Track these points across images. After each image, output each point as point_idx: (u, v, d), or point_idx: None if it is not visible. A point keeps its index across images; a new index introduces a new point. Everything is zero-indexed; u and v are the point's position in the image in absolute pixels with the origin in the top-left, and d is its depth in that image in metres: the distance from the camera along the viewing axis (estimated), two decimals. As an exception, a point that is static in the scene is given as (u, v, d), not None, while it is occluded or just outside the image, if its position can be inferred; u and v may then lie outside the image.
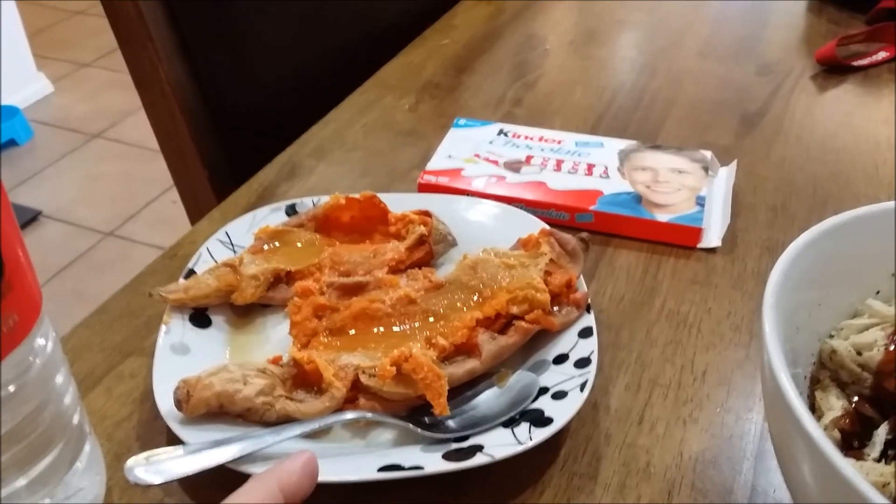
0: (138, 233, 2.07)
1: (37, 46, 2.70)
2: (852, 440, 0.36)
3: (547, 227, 0.53)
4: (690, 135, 0.71)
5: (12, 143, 2.41)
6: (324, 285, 0.49)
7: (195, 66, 0.68)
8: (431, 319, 0.47)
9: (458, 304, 0.48)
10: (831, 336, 0.39)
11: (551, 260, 0.49)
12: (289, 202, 0.57)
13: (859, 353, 0.38)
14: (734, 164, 0.64)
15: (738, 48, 0.86)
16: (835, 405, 0.37)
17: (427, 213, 0.54)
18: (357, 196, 0.55)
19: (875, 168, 0.66)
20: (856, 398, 0.38)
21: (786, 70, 0.81)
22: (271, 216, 0.56)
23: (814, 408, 0.38)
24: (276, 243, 0.53)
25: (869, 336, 0.38)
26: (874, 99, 0.76)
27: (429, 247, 0.53)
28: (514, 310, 0.47)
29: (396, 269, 0.52)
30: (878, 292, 0.40)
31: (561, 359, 0.46)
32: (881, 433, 0.35)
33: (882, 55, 0.83)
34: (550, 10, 0.96)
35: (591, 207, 0.59)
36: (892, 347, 0.37)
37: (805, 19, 0.93)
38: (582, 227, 0.59)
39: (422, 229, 0.52)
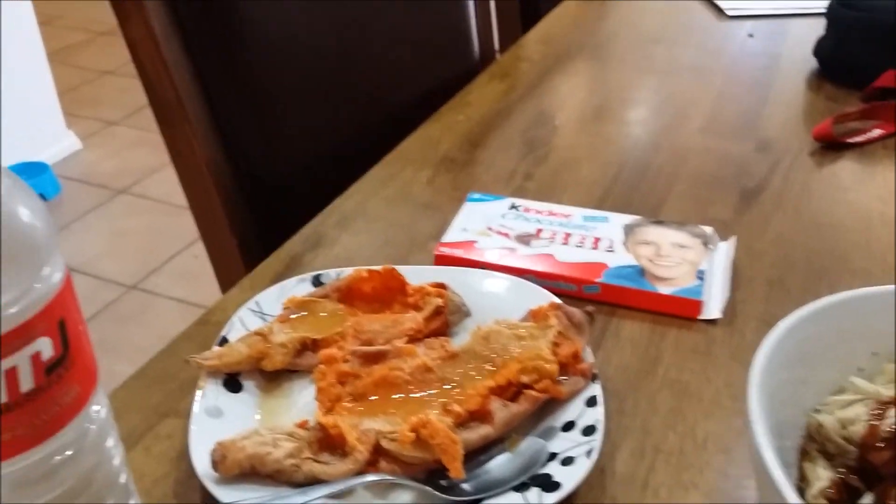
0: (161, 286, 2.12)
1: (67, 104, 2.81)
2: (838, 509, 0.39)
3: (556, 300, 0.57)
4: (692, 209, 0.75)
5: (41, 197, 2.49)
6: (347, 353, 0.52)
7: (229, 144, 0.73)
8: (447, 387, 0.51)
9: (473, 373, 0.51)
10: (817, 410, 0.42)
11: (559, 332, 0.53)
12: (315, 273, 0.61)
13: (844, 427, 0.41)
14: (733, 239, 0.68)
15: (738, 125, 0.91)
16: (822, 475, 0.40)
17: (443, 286, 0.58)
18: (378, 269, 0.59)
19: (867, 243, 0.70)
20: (842, 469, 0.41)
21: (784, 147, 0.85)
22: (298, 287, 0.60)
23: (803, 478, 0.41)
24: (303, 313, 0.57)
25: (853, 411, 0.41)
26: (868, 175, 0.80)
27: (444, 317, 0.57)
28: (525, 379, 0.50)
29: (414, 338, 0.55)
30: (860, 370, 0.43)
31: (569, 426, 0.49)
32: (866, 502, 0.38)
33: (877, 132, 0.87)
34: (560, 87, 1.01)
35: (597, 280, 0.63)
36: (874, 422, 0.40)
37: (804, 96, 0.98)
38: (589, 297, 0.63)
39: (438, 301, 0.56)
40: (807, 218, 0.74)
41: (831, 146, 0.85)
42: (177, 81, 0.66)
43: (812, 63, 1.02)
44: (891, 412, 0.40)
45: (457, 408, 0.48)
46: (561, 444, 0.48)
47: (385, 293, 0.59)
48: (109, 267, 2.20)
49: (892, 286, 0.44)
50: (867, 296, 0.43)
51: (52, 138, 2.71)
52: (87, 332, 0.38)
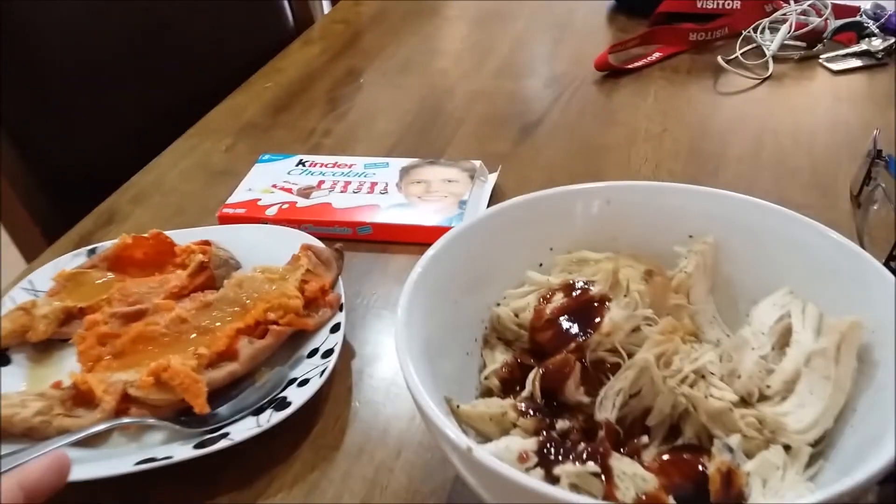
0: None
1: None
2: (515, 386, 0.44)
3: (314, 242, 0.61)
4: (474, 147, 0.80)
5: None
6: (108, 316, 0.55)
7: (14, 134, 0.74)
8: (199, 335, 0.54)
9: (226, 318, 0.55)
10: (498, 304, 0.47)
11: (308, 270, 0.57)
12: (90, 247, 0.64)
13: (517, 315, 0.46)
14: (498, 169, 0.73)
15: (530, 65, 0.95)
16: (497, 359, 0.45)
17: (207, 243, 0.61)
18: (145, 235, 0.61)
19: (628, 159, 0.76)
20: (518, 352, 0.46)
21: (568, 81, 0.90)
22: (74, 261, 0.62)
23: (485, 365, 0.46)
24: (73, 284, 0.59)
25: (525, 301, 0.46)
26: (641, 97, 0.86)
27: (210, 272, 0.60)
28: (272, 316, 0.54)
29: (180, 295, 0.58)
30: (540, 265, 0.48)
31: (313, 353, 0.53)
32: (531, 377, 0.43)
33: (656, 56, 0.93)
34: (371, 46, 1.04)
35: (369, 220, 0.67)
36: (539, 306, 0.45)
37: (597, 32, 1.03)
38: (363, 238, 0.67)
39: (200, 257, 0.59)
40: (577, 143, 0.79)
41: (613, 74, 0.91)
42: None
43: (610, 1, 1.07)
44: (556, 297, 0.46)
45: (202, 350, 0.52)
46: (303, 369, 0.52)
47: (156, 257, 0.62)
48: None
49: (565, 187, 0.49)
50: (540, 198, 0.48)
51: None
52: None
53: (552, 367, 0.42)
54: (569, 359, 0.42)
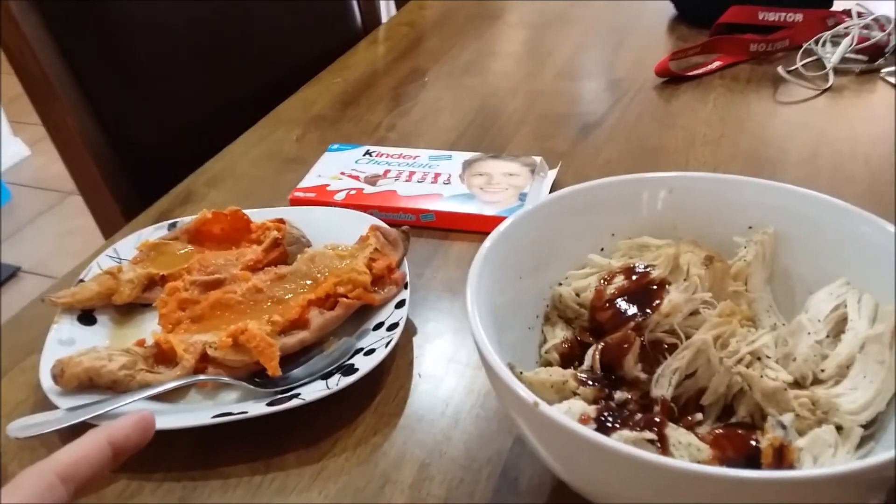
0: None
1: (12, 113, 2.83)
2: (573, 362, 0.47)
3: (380, 224, 0.64)
4: (533, 144, 0.82)
5: (-8, 205, 2.53)
6: (188, 283, 0.59)
7: (101, 116, 0.79)
8: (273, 304, 0.57)
9: (299, 290, 0.58)
10: (560, 284, 0.49)
11: (375, 249, 0.60)
12: (171, 221, 0.68)
13: (578, 295, 0.48)
14: (559, 165, 0.75)
15: (591, 68, 0.97)
16: (558, 335, 0.47)
17: (281, 221, 0.65)
18: (224, 211, 0.65)
19: (686, 161, 0.77)
20: (578, 330, 0.48)
21: (628, 85, 0.92)
22: (156, 233, 0.67)
23: (546, 340, 0.48)
24: (155, 254, 0.63)
25: (587, 281, 0.48)
26: (701, 103, 0.87)
27: (283, 248, 0.63)
28: (341, 290, 0.57)
29: (255, 268, 0.62)
30: (602, 249, 0.51)
31: (379, 326, 0.56)
32: (590, 351, 0.45)
33: (716, 64, 0.95)
34: (435, 47, 1.07)
35: (432, 208, 0.70)
36: (600, 287, 0.47)
37: (658, 39, 1.05)
38: (426, 225, 0.70)
39: (275, 233, 0.63)
40: (635, 144, 0.81)
41: (673, 81, 0.92)
42: (40, 57, 0.71)
43: (670, 8, 1.09)
44: (617, 279, 0.48)
45: (276, 317, 0.55)
46: (369, 340, 0.55)
47: (232, 233, 0.66)
48: (61, 266, 2.25)
49: (628, 175, 0.51)
50: (606, 184, 0.50)
51: (-3, 147, 2.74)
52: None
53: (612, 342, 0.44)
54: (629, 335, 0.44)
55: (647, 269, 0.47)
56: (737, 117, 0.84)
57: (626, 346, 0.43)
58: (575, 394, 0.42)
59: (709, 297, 0.45)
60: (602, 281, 0.48)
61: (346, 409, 0.52)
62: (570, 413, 0.38)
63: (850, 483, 0.32)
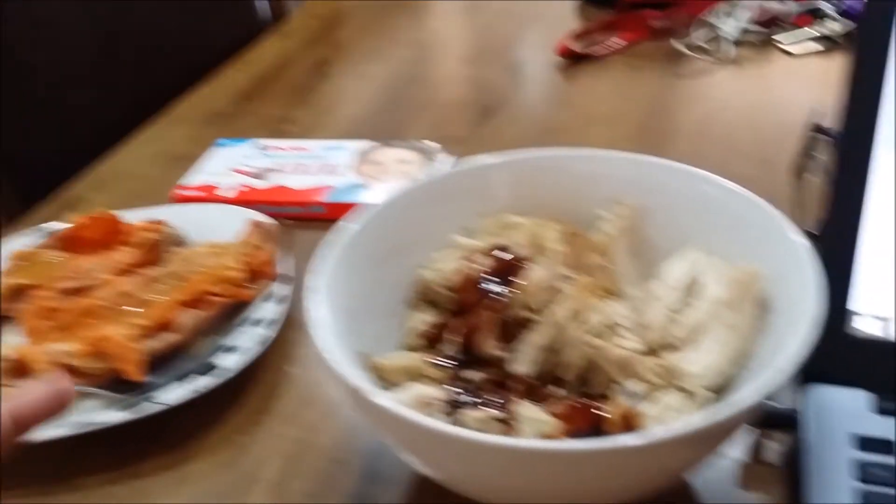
0: None
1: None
2: (437, 345, 0.45)
3: (266, 220, 0.62)
4: (434, 132, 0.80)
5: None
6: (54, 291, 0.56)
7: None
8: (143, 308, 0.55)
9: (170, 291, 0.56)
10: (425, 267, 0.48)
11: (253, 244, 0.58)
12: (44, 227, 0.65)
13: (443, 277, 0.47)
14: (455, 151, 0.74)
15: (496, 52, 0.96)
16: (421, 319, 0.46)
17: (158, 222, 0.62)
18: (96, 214, 0.63)
19: (584, 140, 0.76)
20: (444, 313, 0.47)
21: (531, 68, 0.91)
22: (28, 241, 0.64)
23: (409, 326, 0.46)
24: (26, 263, 0.61)
25: (451, 263, 0.47)
26: (601, 82, 0.87)
27: (159, 250, 0.61)
28: (212, 288, 0.55)
29: (129, 272, 0.59)
30: (468, 229, 0.49)
31: (254, 322, 0.54)
32: (449, 331, 0.44)
33: (619, 43, 0.94)
34: (341, 37, 1.05)
35: (321, 199, 0.68)
36: (464, 268, 0.46)
37: (564, 20, 1.04)
38: (316, 217, 0.68)
39: (150, 235, 0.61)
40: (535, 126, 0.80)
41: (575, 62, 0.92)
42: None
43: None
44: (480, 259, 0.46)
45: (142, 321, 0.53)
46: (241, 338, 0.53)
47: (107, 237, 0.63)
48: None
49: (491, 157, 0.50)
50: (467, 169, 0.49)
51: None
52: None
53: (469, 323, 0.43)
54: (484, 314, 0.42)
55: (510, 248, 0.46)
56: (635, 95, 0.83)
57: (481, 325, 0.42)
58: (428, 377, 0.41)
59: (569, 273, 0.44)
60: (465, 262, 0.46)
61: (213, 411, 0.50)
62: (410, 396, 0.37)
63: (673, 445, 0.31)
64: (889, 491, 0.37)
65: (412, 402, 0.36)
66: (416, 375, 0.41)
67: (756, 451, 0.44)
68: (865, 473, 0.37)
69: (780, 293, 0.39)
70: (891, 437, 0.39)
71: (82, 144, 0.87)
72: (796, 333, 0.35)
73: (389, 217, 0.47)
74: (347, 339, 0.40)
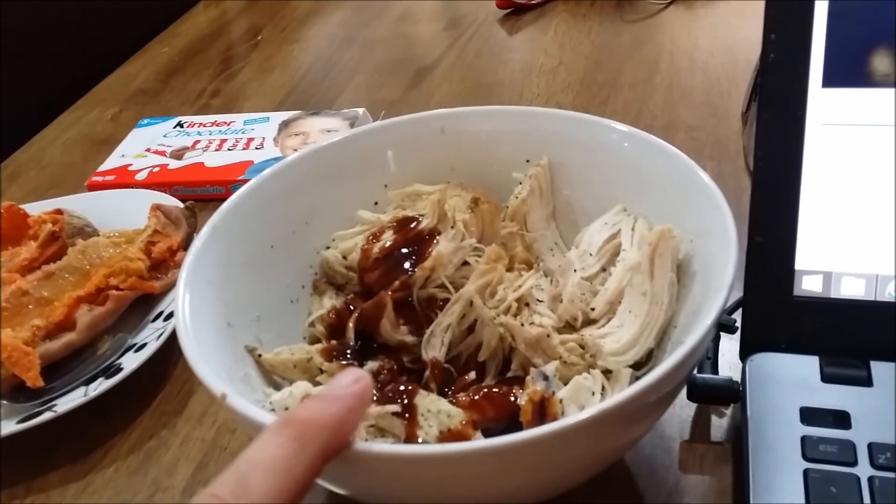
0: None
1: None
2: (343, 333, 0.42)
3: (177, 202, 0.58)
4: (365, 96, 0.76)
5: None
6: (-51, 294, 0.52)
7: None
8: (40, 306, 0.51)
9: (68, 287, 0.52)
10: (328, 248, 0.44)
11: (156, 231, 0.54)
12: (-54, 225, 0.61)
13: (345, 257, 0.43)
14: (382, 115, 0.70)
15: (433, 10, 0.91)
16: (326, 305, 0.42)
17: (59, 212, 0.58)
18: (2, 208, 0.58)
19: (520, 94, 0.72)
20: (350, 296, 0.43)
21: (469, 22, 0.86)
22: (-74, 241, 0.59)
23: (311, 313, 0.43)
24: (-78, 265, 0.57)
25: (353, 241, 0.43)
26: (542, 32, 0.82)
27: (62, 242, 0.57)
28: (114, 281, 0.51)
29: (31, 267, 0.55)
30: (376, 203, 0.45)
31: (158, 316, 0.50)
32: (351, 322, 0.40)
33: (562, -9, 0.89)
34: (272, 2, 1.00)
35: (240, 177, 0.64)
36: (366, 246, 0.42)
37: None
38: (237, 197, 0.64)
39: (50, 227, 0.56)
40: (470, 83, 0.75)
41: (515, 12, 0.87)
42: None
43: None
44: (386, 234, 0.43)
45: (38, 322, 0.49)
46: (145, 334, 0.49)
47: (11, 231, 0.59)
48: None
49: (393, 119, 0.46)
50: (367, 132, 0.45)
51: None
52: None
53: (366, 307, 0.39)
54: (382, 297, 0.39)
55: (416, 220, 0.42)
56: (577, 43, 0.79)
57: (379, 309, 0.38)
58: (322, 371, 0.37)
59: (476, 244, 0.40)
60: (370, 238, 0.42)
61: (120, 415, 0.47)
62: (292, 397, 0.33)
63: (580, 433, 0.28)
64: (835, 469, 0.33)
65: (291, 404, 0.33)
66: (309, 370, 0.37)
67: (698, 429, 0.40)
68: (809, 449, 0.34)
69: (699, 253, 0.35)
70: (835, 406, 0.35)
71: (11, 138, 0.82)
72: (712, 299, 0.31)
73: (281, 193, 0.42)
74: (230, 337, 0.37)
